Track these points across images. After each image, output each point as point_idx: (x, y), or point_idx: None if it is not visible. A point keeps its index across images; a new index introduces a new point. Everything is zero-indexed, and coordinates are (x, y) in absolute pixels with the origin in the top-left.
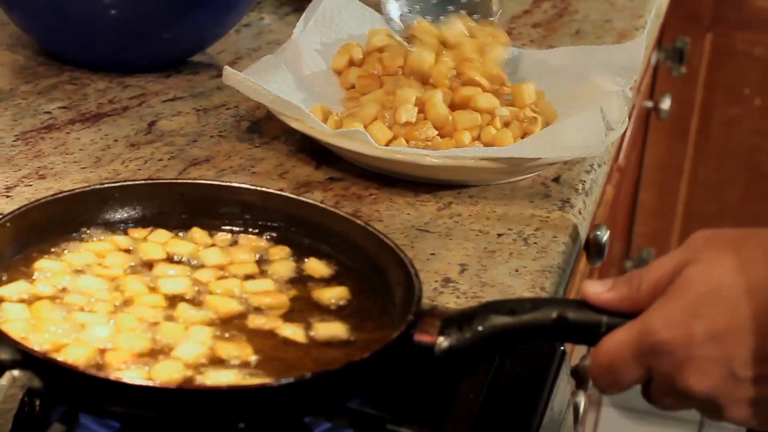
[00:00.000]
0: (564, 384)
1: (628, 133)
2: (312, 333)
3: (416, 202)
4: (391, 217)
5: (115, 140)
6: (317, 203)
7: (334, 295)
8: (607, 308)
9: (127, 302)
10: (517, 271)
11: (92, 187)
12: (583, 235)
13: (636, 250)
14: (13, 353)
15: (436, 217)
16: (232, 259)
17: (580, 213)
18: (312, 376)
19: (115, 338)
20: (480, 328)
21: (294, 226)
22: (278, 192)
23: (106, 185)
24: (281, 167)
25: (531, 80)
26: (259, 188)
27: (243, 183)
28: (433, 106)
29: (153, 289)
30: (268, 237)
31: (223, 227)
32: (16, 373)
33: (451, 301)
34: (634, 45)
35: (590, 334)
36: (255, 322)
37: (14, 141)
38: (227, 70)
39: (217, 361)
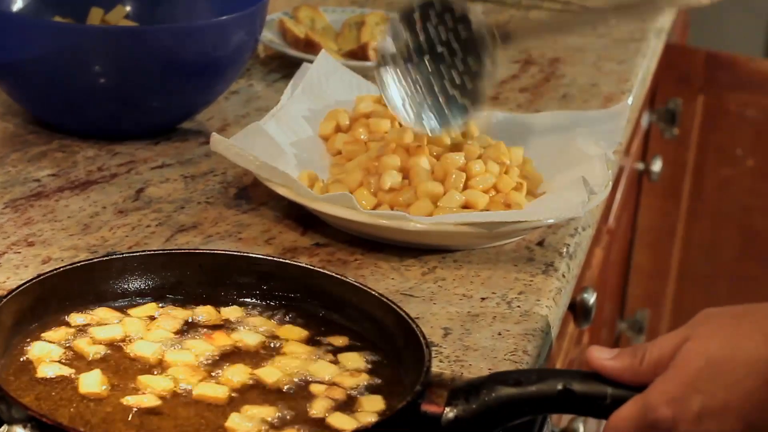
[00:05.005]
0: None
1: (619, 196)
2: None
3: (401, 267)
4: (376, 281)
5: (104, 207)
6: (332, 273)
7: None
8: (608, 376)
9: None
10: (500, 334)
11: (111, 256)
12: (567, 298)
13: (630, 312)
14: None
15: (421, 281)
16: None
17: (563, 276)
18: None
19: None
20: (486, 399)
21: (309, 297)
22: (296, 263)
23: (126, 255)
24: (268, 233)
25: (516, 144)
26: (277, 258)
27: (261, 254)
28: (417, 173)
29: None
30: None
31: (240, 298)
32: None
33: (434, 366)
34: (618, 109)
35: (595, 406)
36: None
37: (3, 209)
38: (215, 136)
39: None
